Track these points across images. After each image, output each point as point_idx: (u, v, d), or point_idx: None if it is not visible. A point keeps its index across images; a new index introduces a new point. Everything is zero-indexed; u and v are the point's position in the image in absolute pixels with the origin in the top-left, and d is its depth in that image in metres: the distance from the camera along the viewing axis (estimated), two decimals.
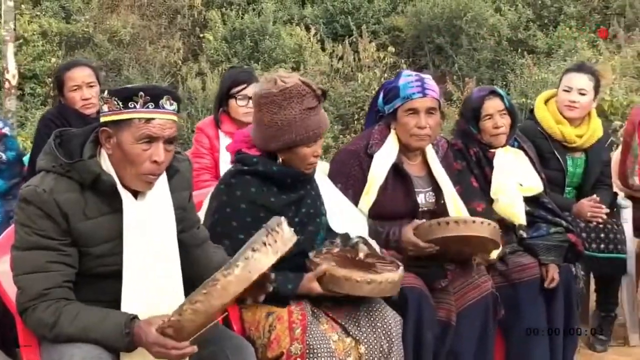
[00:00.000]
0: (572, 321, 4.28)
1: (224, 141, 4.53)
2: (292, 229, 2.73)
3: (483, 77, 13.47)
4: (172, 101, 2.77)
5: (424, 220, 3.73)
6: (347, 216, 3.62)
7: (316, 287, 3.23)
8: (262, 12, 13.96)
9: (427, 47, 14.42)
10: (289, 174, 3.31)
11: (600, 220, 4.69)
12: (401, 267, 3.31)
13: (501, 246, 3.83)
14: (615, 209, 4.92)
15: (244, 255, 2.52)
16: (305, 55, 13.26)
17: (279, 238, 2.60)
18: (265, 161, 3.29)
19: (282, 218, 2.72)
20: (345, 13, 14.72)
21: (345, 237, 3.53)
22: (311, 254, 3.32)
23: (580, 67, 4.99)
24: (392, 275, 3.25)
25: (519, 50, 13.63)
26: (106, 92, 2.77)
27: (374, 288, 3.21)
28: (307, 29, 13.94)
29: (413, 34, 14.57)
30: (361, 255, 3.39)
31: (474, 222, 3.61)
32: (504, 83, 12.78)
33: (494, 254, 3.92)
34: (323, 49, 13.60)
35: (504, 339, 4.14)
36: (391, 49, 14.01)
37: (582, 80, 4.83)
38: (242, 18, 13.74)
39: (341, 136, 11.49)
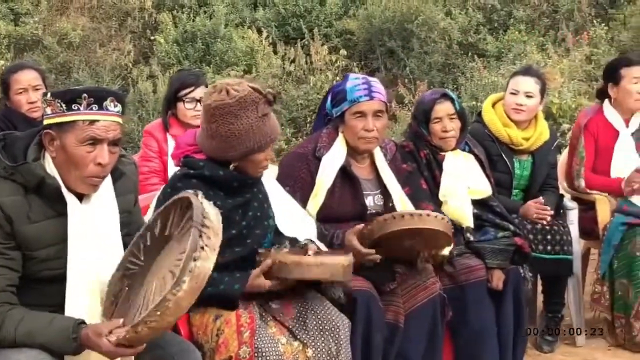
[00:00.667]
0: (521, 322, 4.32)
1: (173, 144, 4.50)
2: (215, 208, 2.70)
3: (434, 80, 13.52)
4: (116, 103, 2.75)
5: (365, 222, 3.74)
6: (295, 219, 3.62)
7: (263, 282, 3.23)
8: (214, 14, 13.88)
9: (378, 51, 14.45)
10: (235, 178, 3.30)
11: (545, 221, 4.74)
12: (350, 254, 3.35)
13: (452, 242, 3.84)
14: (561, 211, 4.98)
15: (187, 269, 2.50)
16: (257, 58, 13.21)
17: (211, 234, 2.58)
18: (212, 165, 3.27)
19: (200, 194, 2.69)
20: (297, 16, 14.70)
21: (293, 240, 3.53)
22: (261, 250, 3.32)
23: (526, 71, 5.05)
24: (342, 259, 3.28)
25: (470, 53, 13.71)
26: (49, 94, 2.75)
27: (324, 271, 3.23)
28: (259, 31, 13.89)
29: (365, 37, 14.59)
30: (310, 252, 3.39)
31: (428, 215, 3.64)
32: (455, 86, 12.85)
33: (446, 250, 3.94)
34: (275, 52, 13.56)
35: (452, 341, 4.16)
36: (343, 52, 14.01)
37: (529, 84, 4.89)
38: (193, 21, 13.65)
39: (294, 139, 11.47)
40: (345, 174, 3.88)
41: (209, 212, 2.63)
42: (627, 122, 5.06)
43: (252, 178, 3.35)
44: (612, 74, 5.06)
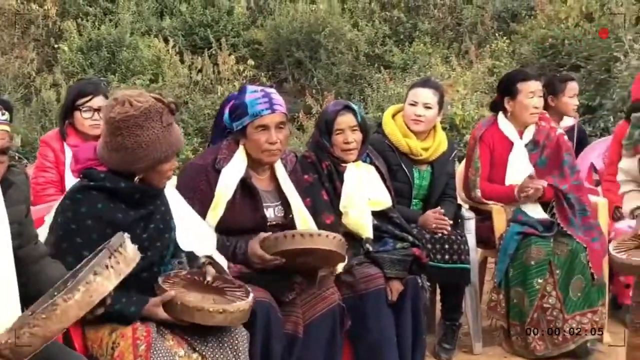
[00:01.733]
0: (419, 331, 4.37)
1: (70, 154, 4.42)
2: (136, 247, 2.71)
3: (342, 91, 13.62)
4: (3, 111, 2.70)
5: (271, 233, 3.76)
6: (195, 231, 3.60)
7: (161, 313, 3.20)
8: (119, 23, 13.71)
9: (286, 61, 14.49)
10: (137, 190, 3.26)
11: (445, 231, 4.82)
12: (251, 295, 3.34)
13: (346, 259, 3.88)
14: (459, 221, 5.07)
15: (85, 280, 2.47)
16: (164, 67, 13.09)
17: (122, 260, 2.58)
18: (113, 178, 3.22)
19: (126, 235, 2.69)
20: (204, 25, 14.63)
21: (192, 256, 3.52)
22: (160, 279, 3.28)
23: (425, 82, 5.14)
24: (243, 304, 3.27)
25: (376, 65, 13.86)
26: None
27: (226, 317, 3.21)
28: (166, 40, 13.77)
29: (272, 48, 14.60)
30: (209, 278, 3.38)
31: (319, 235, 3.66)
32: (362, 97, 12.96)
33: (340, 267, 3.98)
34: (182, 61, 13.46)
35: (352, 350, 4.19)
36: (251, 62, 14.01)
37: (427, 95, 4.97)
38: (98, 29, 13.45)
39: (201, 149, 11.39)
40: (245, 186, 3.87)
41: (128, 245, 2.64)
42: (520, 133, 5.17)
43: (155, 190, 3.32)
44: (508, 87, 5.16)
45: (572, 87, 6.21)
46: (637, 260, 3.78)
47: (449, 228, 4.85)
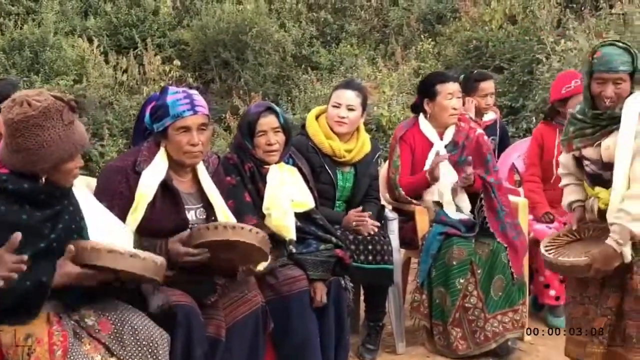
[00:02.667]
0: (343, 332, 4.39)
1: None
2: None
3: (269, 92, 13.62)
4: None
5: (190, 229, 3.72)
6: (109, 230, 3.54)
7: (71, 269, 3.11)
8: (43, 22, 13.49)
9: (213, 62, 14.43)
10: (41, 191, 3.18)
11: (368, 229, 4.83)
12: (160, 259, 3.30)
13: (269, 257, 3.86)
14: (382, 222, 5.09)
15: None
16: (88, 68, 12.91)
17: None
18: (16, 179, 3.14)
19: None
20: (129, 25, 14.50)
21: None
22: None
23: (348, 84, 5.16)
24: (155, 257, 3.25)
25: (303, 66, 13.89)
26: None
27: (136, 262, 3.16)
28: (90, 40, 13.60)
29: (199, 48, 14.54)
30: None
31: (242, 228, 3.63)
32: (289, 98, 12.98)
33: (261, 266, 3.96)
34: (107, 62, 13.31)
35: (275, 352, 4.18)
36: (177, 62, 13.94)
37: (350, 97, 4.99)
38: (21, 28, 13.23)
39: (126, 150, 11.28)
40: (166, 189, 3.83)
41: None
42: (441, 135, 5.23)
43: (61, 190, 3.25)
44: (427, 89, 5.22)
45: (484, 87, 6.31)
46: (562, 261, 3.86)
47: (376, 229, 4.87)
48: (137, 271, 3.20)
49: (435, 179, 5.07)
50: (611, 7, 10.84)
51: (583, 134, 3.90)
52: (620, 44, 3.82)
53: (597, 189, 3.87)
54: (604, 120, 3.81)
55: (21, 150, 3.08)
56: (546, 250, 3.95)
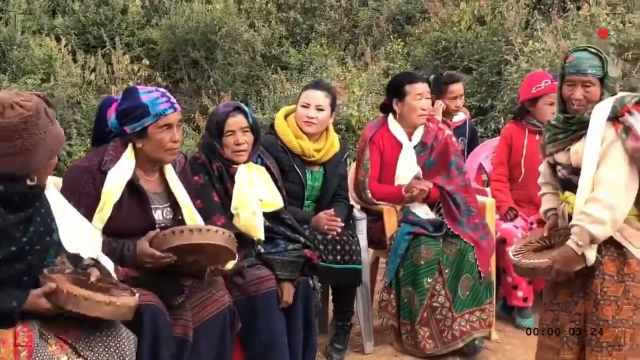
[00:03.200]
0: (311, 332, 4.39)
1: None
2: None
3: (238, 91, 13.60)
4: None
5: (159, 230, 3.71)
6: (79, 233, 3.51)
7: (44, 303, 3.10)
8: (10, 21, 13.40)
9: (182, 61, 14.39)
10: (17, 192, 3.16)
11: (336, 232, 4.84)
12: (137, 295, 3.30)
13: (236, 256, 3.85)
14: (351, 222, 5.10)
15: None
16: (56, 67, 12.83)
17: None
18: None
19: None
20: (97, 24, 14.41)
21: (77, 257, 3.43)
22: (45, 270, 3.20)
23: (317, 84, 5.15)
24: (130, 300, 3.23)
25: (273, 65, 13.88)
26: None
27: (114, 310, 3.15)
28: (58, 39, 13.51)
29: (168, 47, 14.49)
30: (93, 279, 3.31)
31: (208, 230, 3.63)
32: (258, 98, 12.96)
33: (229, 265, 3.95)
34: (75, 61, 13.22)
35: (243, 352, 4.17)
36: (146, 61, 13.89)
37: (319, 97, 4.99)
38: None
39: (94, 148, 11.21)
40: (132, 188, 3.81)
41: None
42: (410, 135, 5.24)
43: (36, 191, 3.22)
44: (396, 90, 5.22)
45: (453, 89, 6.34)
46: (525, 263, 3.89)
47: (339, 229, 4.87)
48: (112, 318, 3.22)
49: (411, 202, 5.10)
50: (578, 8, 10.92)
51: (555, 139, 3.93)
52: (592, 49, 3.85)
53: (567, 193, 3.90)
54: (574, 125, 3.84)
55: (18, 153, 3.03)
56: (514, 255, 3.98)
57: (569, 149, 3.87)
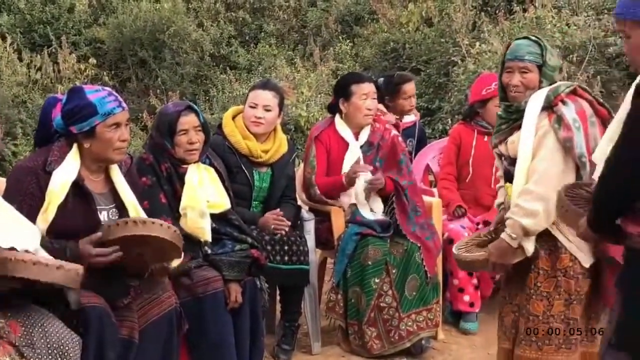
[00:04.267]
0: (258, 333, 4.40)
1: None
2: None
3: (186, 91, 13.54)
4: None
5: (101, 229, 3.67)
6: (15, 227, 3.46)
7: None
8: None
9: (130, 60, 14.29)
10: None
11: (283, 232, 4.84)
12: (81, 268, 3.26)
13: (182, 254, 3.81)
14: (299, 222, 5.10)
15: None
16: (1, 66, 12.66)
17: None
18: None
19: None
20: (44, 23, 14.26)
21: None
22: None
23: (265, 84, 5.14)
24: (77, 266, 3.22)
25: (221, 65, 13.84)
26: None
27: (64, 275, 3.14)
28: (3, 38, 13.32)
29: (115, 47, 14.37)
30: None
31: (153, 223, 3.58)
32: (207, 98, 12.92)
33: (175, 263, 3.92)
34: (20, 59, 13.05)
35: (190, 353, 4.16)
36: (93, 60, 13.76)
37: (267, 97, 4.98)
38: None
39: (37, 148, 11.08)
40: (77, 189, 3.77)
41: None
42: (356, 135, 5.27)
43: None
44: (343, 89, 5.25)
45: (406, 89, 6.36)
46: (464, 255, 3.91)
47: (287, 229, 4.88)
48: (62, 283, 3.17)
49: (351, 185, 5.11)
50: (524, 10, 11.03)
51: (499, 130, 3.95)
52: (533, 37, 3.89)
53: (507, 185, 3.92)
54: (514, 114, 3.85)
55: None
56: (458, 248, 4.00)
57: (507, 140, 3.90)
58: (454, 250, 4.02)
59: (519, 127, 3.80)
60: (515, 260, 3.76)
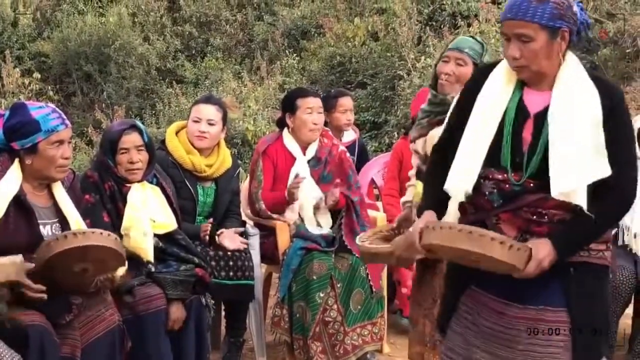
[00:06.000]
0: (203, 350, 4.37)
1: None
2: None
3: (133, 105, 13.48)
4: None
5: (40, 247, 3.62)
6: None
7: None
8: None
9: (75, 74, 14.18)
10: None
11: (237, 245, 4.88)
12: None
13: (125, 261, 3.77)
14: (243, 237, 5.09)
15: None
16: None
17: None
18: None
19: None
20: None
21: None
22: None
23: (208, 99, 5.14)
24: (11, 257, 3.31)
25: (168, 79, 13.80)
26: None
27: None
28: None
29: (60, 61, 14.27)
30: None
31: (93, 232, 3.56)
32: (153, 112, 12.88)
33: (120, 272, 3.88)
34: None
35: None
36: (37, 75, 13.63)
37: (211, 111, 4.98)
38: None
39: None
40: (19, 204, 3.72)
41: None
42: (304, 150, 5.27)
43: None
44: (289, 104, 5.26)
45: (343, 102, 6.35)
46: (368, 247, 3.77)
47: (245, 245, 4.92)
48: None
49: (292, 200, 5.13)
50: (469, 25, 11.18)
51: (419, 123, 3.93)
52: (478, 39, 3.93)
53: (418, 182, 3.87)
54: (438, 106, 3.83)
55: None
56: (361, 240, 3.88)
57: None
58: (357, 241, 3.82)
59: (438, 123, 3.72)
60: (418, 257, 3.58)
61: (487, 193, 2.93)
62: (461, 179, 2.93)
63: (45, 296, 3.53)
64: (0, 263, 3.16)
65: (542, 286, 2.88)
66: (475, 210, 2.99)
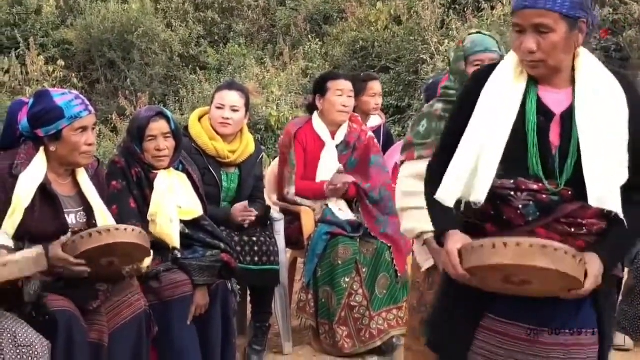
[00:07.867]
0: (230, 335, 4.38)
1: None
2: None
3: (156, 92, 13.49)
4: None
5: (70, 235, 3.65)
6: None
7: None
8: None
9: (98, 62, 14.21)
10: None
11: (251, 222, 4.88)
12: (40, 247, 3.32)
13: (151, 253, 3.79)
14: (268, 222, 5.10)
15: None
16: None
17: None
18: None
19: None
20: (11, 25, 14.16)
21: None
22: None
23: (230, 85, 5.15)
24: (30, 251, 3.26)
25: (191, 66, 13.80)
26: None
27: (12, 270, 3.14)
28: None
29: (84, 48, 14.30)
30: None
31: (117, 229, 3.55)
32: (177, 98, 12.88)
33: (146, 262, 3.91)
34: None
35: (158, 357, 4.13)
36: (61, 62, 13.68)
37: (234, 98, 4.98)
38: None
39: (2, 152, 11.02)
40: (44, 192, 3.74)
41: None
42: (333, 134, 5.30)
43: None
44: (320, 86, 5.31)
45: (372, 86, 6.34)
46: None
47: (253, 218, 4.90)
48: (16, 276, 3.16)
49: (333, 196, 5.15)
50: (492, 8, 11.11)
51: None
52: (486, 32, 3.89)
53: None
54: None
55: None
56: None
57: None
58: None
59: None
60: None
61: (520, 206, 2.56)
62: (462, 187, 2.59)
63: (88, 269, 3.55)
64: (17, 259, 3.16)
65: (574, 307, 2.59)
66: (499, 227, 2.61)
